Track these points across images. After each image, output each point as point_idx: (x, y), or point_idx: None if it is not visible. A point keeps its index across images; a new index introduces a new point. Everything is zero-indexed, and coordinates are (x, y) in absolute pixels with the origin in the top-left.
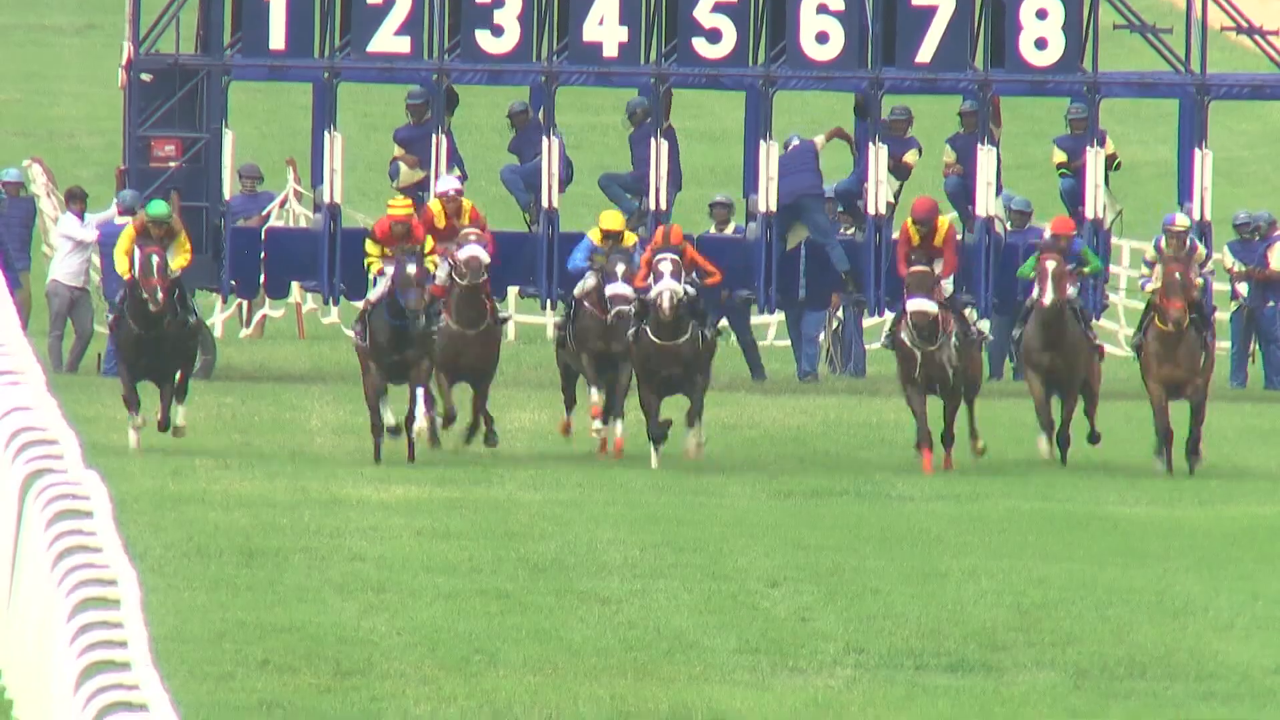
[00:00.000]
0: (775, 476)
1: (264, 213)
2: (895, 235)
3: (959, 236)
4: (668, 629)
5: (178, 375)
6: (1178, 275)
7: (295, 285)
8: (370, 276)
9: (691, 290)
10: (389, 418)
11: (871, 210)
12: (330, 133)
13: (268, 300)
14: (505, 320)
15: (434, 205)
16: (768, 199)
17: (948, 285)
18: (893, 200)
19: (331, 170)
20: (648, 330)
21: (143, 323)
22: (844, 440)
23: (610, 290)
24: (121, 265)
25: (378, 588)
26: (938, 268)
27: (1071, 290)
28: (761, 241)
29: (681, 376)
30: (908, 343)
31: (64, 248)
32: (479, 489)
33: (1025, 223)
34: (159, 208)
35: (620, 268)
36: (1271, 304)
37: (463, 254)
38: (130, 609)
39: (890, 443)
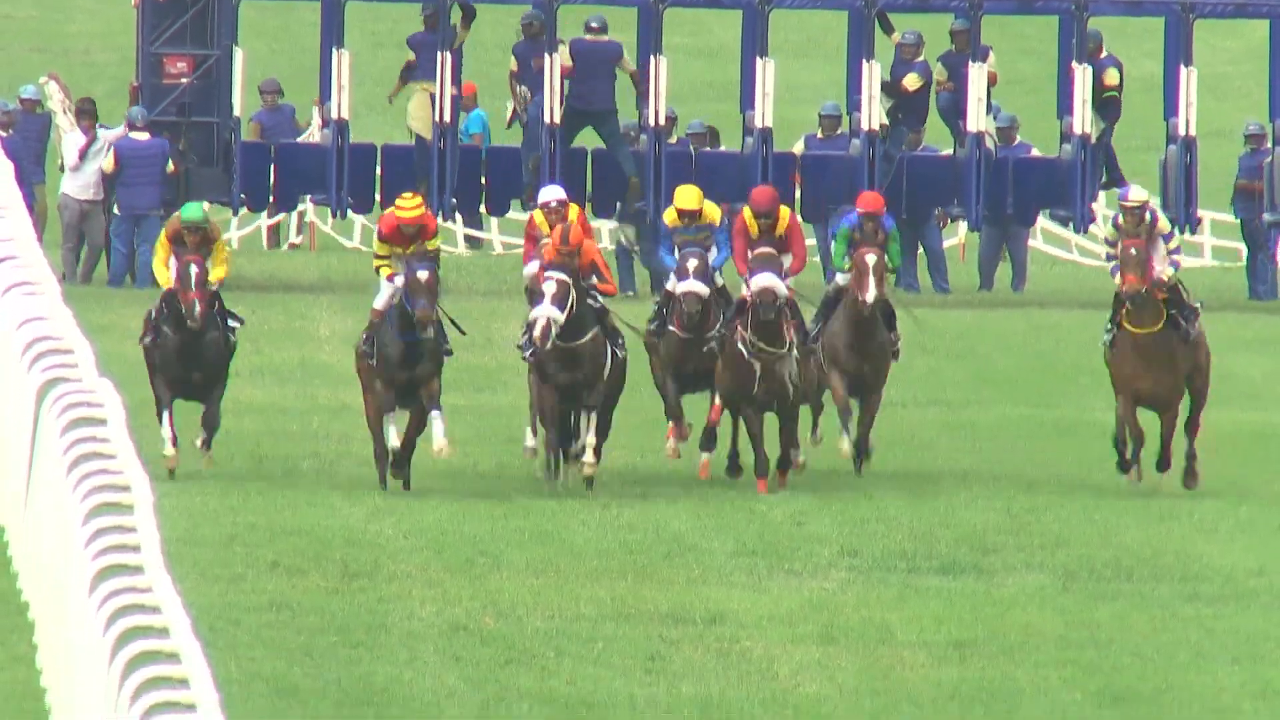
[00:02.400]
0: None
1: (301, 139)
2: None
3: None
4: (667, 532)
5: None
6: (1134, 250)
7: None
8: (380, 281)
9: (595, 301)
10: (392, 438)
11: (865, 126)
12: (338, 50)
13: (313, 211)
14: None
15: (537, 216)
16: (763, 115)
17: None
18: (885, 121)
19: (340, 86)
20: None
21: (182, 335)
22: None
23: (684, 288)
24: (161, 275)
25: (384, 492)
26: (786, 261)
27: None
28: (757, 156)
29: (582, 383)
30: (745, 353)
31: (74, 162)
32: (483, 396)
33: (1012, 137)
34: (194, 211)
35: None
36: (1265, 216)
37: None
38: (143, 513)
39: None
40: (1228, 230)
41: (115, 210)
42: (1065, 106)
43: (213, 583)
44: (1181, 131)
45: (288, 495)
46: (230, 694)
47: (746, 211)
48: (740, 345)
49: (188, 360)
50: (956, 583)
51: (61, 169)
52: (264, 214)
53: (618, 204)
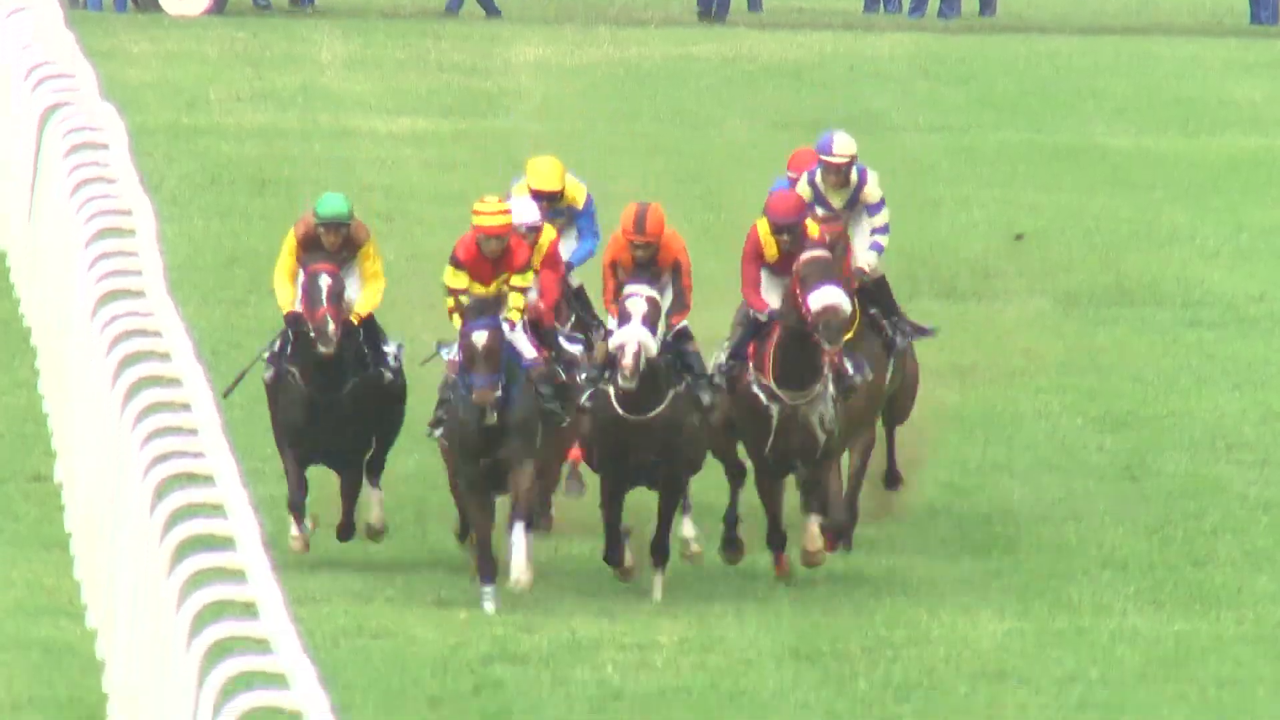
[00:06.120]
0: (773, 109)
1: None
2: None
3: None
4: None
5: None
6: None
7: None
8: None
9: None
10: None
11: None
12: None
13: None
14: None
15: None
16: None
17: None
18: None
19: None
20: (610, 395)
21: (315, 377)
22: (840, 72)
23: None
24: (283, 294)
25: (386, 216)
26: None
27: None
28: None
29: (655, 466)
30: (762, 398)
31: None
32: (485, 121)
33: None
34: (334, 205)
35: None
36: None
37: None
38: (145, 238)
39: (886, 75)
40: None
41: None
42: None
43: (215, 306)
44: None
45: (289, 220)
46: (232, 417)
47: (761, 225)
48: (755, 388)
49: (322, 414)
50: (958, 307)
51: None
52: None
53: None
